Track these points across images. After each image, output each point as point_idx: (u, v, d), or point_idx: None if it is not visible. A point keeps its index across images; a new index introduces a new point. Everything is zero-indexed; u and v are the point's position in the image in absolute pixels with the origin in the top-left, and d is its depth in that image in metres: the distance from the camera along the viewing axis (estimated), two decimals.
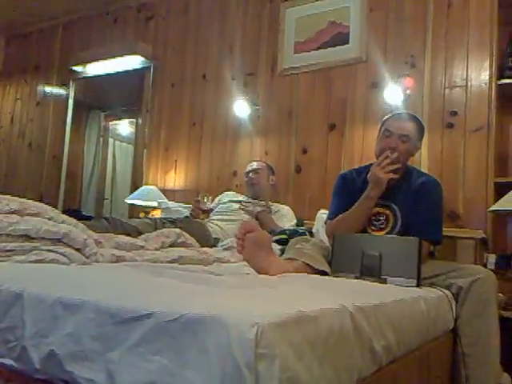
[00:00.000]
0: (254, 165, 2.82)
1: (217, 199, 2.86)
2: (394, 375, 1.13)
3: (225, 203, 2.75)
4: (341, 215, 1.90)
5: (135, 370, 0.75)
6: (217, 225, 2.49)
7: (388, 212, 1.89)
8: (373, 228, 1.90)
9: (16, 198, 1.41)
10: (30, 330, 0.88)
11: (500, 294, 2.05)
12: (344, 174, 2.07)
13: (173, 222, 2.26)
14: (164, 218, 2.39)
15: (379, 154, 1.89)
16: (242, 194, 2.86)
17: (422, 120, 2.02)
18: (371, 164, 1.93)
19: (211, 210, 2.68)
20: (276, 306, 0.81)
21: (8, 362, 0.90)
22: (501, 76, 2.42)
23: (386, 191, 1.89)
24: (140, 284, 1.04)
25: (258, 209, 2.59)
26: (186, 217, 2.62)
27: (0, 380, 0.91)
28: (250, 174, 2.78)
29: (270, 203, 2.71)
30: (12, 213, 1.34)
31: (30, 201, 1.44)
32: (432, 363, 1.44)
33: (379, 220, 1.89)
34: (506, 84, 2.38)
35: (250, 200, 2.72)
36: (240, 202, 2.69)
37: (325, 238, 2.05)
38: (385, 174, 1.81)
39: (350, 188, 1.95)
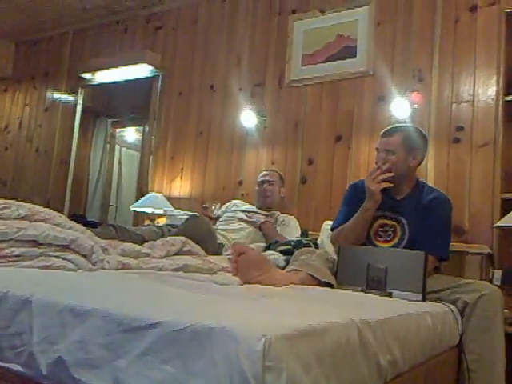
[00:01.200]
0: (269, 175, 2.80)
1: (224, 207, 2.86)
2: None
3: (231, 212, 2.75)
4: (342, 226, 1.91)
5: (142, 378, 0.76)
6: (222, 234, 2.50)
7: (396, 224, 1.90)
8: (379, 239, 1.91)
9: (26, 204, 1.42)
10: (37, 335, 0.89)
11: (506, 311, 2.03)
12: (355, 184, 2.09)
13: (179, 226, 2.26)
14: (170, 225, 2.40)
15: None
16: (249, 203, 2.87)
17: (417, 129, 2.01)
18: None
19: (218, 217, 2.68)
20: (284, 319, 0.82)
21: (15, 367, 0.90)
22: (508, 92, 2.42)
23: (395, 204, 1.91)
24: (148, 292, 1.04)
25: (262, 219, 2.58)
26: (194, 215, 2.58)
27: None
28: (265, 186, 2.76)
29: (277, 214, 2.71)
30: (21, 218, 1.35)
31: (39, 207, 1.45)
32: (437, 378, 1.44)
33: (387, 232, 1.90)
34: None
35: (254, 210, 2.72)
36: (244, 211, 2.69)
37: (330, 249, 2.05)
38: (376, 185, 1.85)
39: (359, 198, 1.95)
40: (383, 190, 1.90)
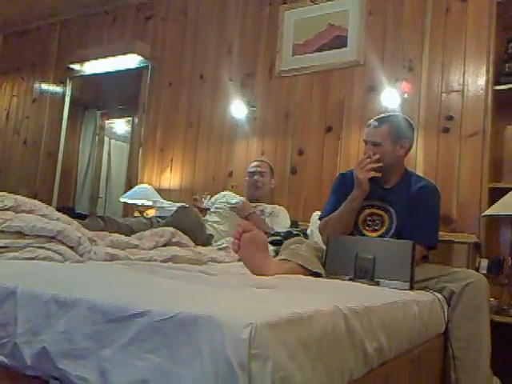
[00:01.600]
0: (260, 166, 2.78)
1: (213, 198, 2.86)
2: (385, 377, 1.13)
3: (221, 203, 2.74)
4: (330, 215, 1.93)
5: (128, 368, 0.75)
6: (211, 225, 2.49)
7: (384, 214, 1.91)
8: (367, 228, 1.92)
9: (11, 194, 1.41)
10: (22, 326, 0.88)
11: (492, 299, 2.06)
12: (344, 173, 2.10)
13: (168, 217, 2.25)
14: (159, 217, 2.39)
15: None
16: (240, 194, 2.86)
17: (403, 118, 2.01)
18: None
19: (208, 208, 2.68)
20: (270, 307, 0.82)
21: None
22: (497, 82, 2.43)
23: (383, 193, 1.92)
24: (134, 282, 1.03)
25: (249, 210, 2.56)
26: (183, 206, 2.56)
27: None
28: (255, 177, 2.74)
29: (265, 205, 2.70)
30: (7, 209, 1.33)
31: (25, 198, 1.44)
32: (423, 366, 1.45)
33: (374, 221, 1.91)
34: (502, 90, 2.40)
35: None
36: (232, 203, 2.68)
37: (319, 240, 2.05)
38: (364, 174, 1.86)
39: (347, 188, 1.96)
40: (371, 180, 1.90)
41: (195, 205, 2.62)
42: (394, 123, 1.95)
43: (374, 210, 1.92)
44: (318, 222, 2.04)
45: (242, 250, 1.48)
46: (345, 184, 2.00)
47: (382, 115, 2.04)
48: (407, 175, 1.99)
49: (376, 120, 1.98)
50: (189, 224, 2.05)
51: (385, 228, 1.89)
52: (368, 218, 1.92)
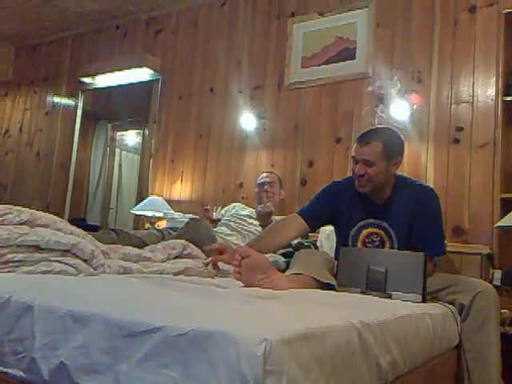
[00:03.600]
0: (269, 177, 2.78)
1: (223, 210, 2.87)
2: None
3: (231, 215, 2.75)
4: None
5: (143, 382, 0.76)
6: (222, 237, 2.50)
7: (381, 232, 1.85)
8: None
9: (26, 209, 1.43)
10: (39, 341, 0.89)
11: (506, 311, 2.04)
12: (338, 182, 2.01)
13: (179, 229, 2.26)
14: (171, 229, 2.40)
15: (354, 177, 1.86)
16: (250, 205, 2.87)
17: (392, 132, 1.89)
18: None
19: (219, 219, 2.68)
20: (284, 322, 0.82)
21: (17, 372, 0.91)
22: (507, 93, 2.42)
23: (378, 211, 1.85)
24: (148, 297, 1.05)
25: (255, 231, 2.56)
26: (193, 218, 2.57)
27: None
28: (266, 187, 2.72)
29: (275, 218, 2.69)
30: (22, 224, 1.35)
31: (41, 212, 1.46)
32: (437, 379, 1.44)
33: (374, 241, 1.85)
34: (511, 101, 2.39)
35: (250, 216, 2.71)
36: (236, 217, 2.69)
37: (330, 251, 2.05)
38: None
39: (334, 197, 1.93)
40: (364, 198, 1.85)
41: (207, 216, 2.63)
42: (387, 140, 1.80)
43: (370, 230, 1.86)
44: (296, 214, 1.95)
45: (245, 276, 1.44)
46: (333, 194, 1.94)
47: (372, 129, 1.90)
48: (399, 184, 1.87)
49: (366, 135, 1.83)
50: (200, 236, 2.05)
51: (387, 246, 1.84)
52: (367, 240, 1.86)
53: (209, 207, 2.68)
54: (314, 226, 1.97)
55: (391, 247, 1.84)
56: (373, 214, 1.86)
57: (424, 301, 1.52)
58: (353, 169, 1.85)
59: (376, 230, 1.86)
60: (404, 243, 1.81)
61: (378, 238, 1.85)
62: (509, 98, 2.39)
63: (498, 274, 2.25)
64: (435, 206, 1.85)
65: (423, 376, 1.30)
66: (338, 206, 1.91)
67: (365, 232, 1.88)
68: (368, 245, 1.86)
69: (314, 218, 1.93)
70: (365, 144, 1.79)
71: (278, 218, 2.72)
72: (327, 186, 2.01)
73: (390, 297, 1.53)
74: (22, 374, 0.90)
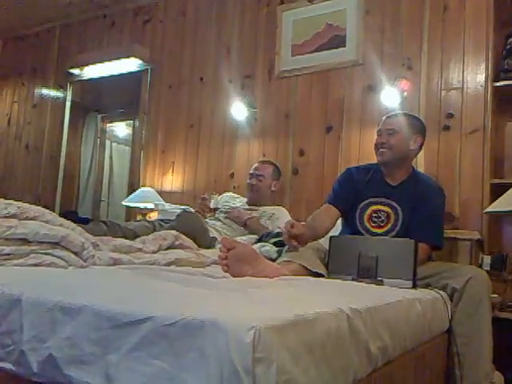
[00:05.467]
0: (258, 169, 2.75)
1: (218, 198, 2.85)
2: (389, 376, 1.14)
3: (223, 206, 2.75)
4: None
5: (133, 373, 0.76)
6: (215, 228, 2.50)
7: (389, 210, 1.92)
8: (372, 224, 1.93)
9: (14, 202, 1.42)
10: (28, 334, 0.89)
11: (495, 295, 2.06)
12: (351, 169, 2.12)
13: (171, 221, 2.25)
14: (162, 220, 2.39)
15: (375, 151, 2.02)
16: (242, 195, 2.86)
17: (418, 117, 2.08)
18: (372, 164, 2.05)
19: (217, 208, 2.67)
20: (273, 310, 0.82)
21: (6, 365, 0.90)
22: (497, 78, 2.43)
23: (390, 190, 1.94)
24: (138, 287, 1.04)
25: (246, 216, 2.55)
26: (185, 210, 2.56)
27: None
28: (252, 180, 2.72)
29: (265, 208, 2.69)
30: (10, 217, 1.34)
31: (28, 204, 1.44)
32: (428, 363, 1.46)
33: (380, 217, 1.92)
34: (501, 86, 2.40)
35: (242, 206, 2.71)
36: (229, 208, 2.67)
37: (321, 240, 2.06)
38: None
39: (353, 182, 2.02)
40: (378, 176, 1.96)
41: (205, 204, 2.61)
42: (410, 117, 2.03)
43: (379, 207, 1.93)
44: (331, 205, 2.01)
45: (232, 268, 1.43)
46: (351, 178, 2.04)
47: (401, 111, 2.12)
48: (414, 174, 2.02)
49: (394, 113, 2.06)
50: (192, 229, 2.05)
51: (390, 225, 1.90)
52: (374, 215, 1.94)
53: (206, 195, 2.66)
54: (345, 211, 2.01)
55: (393, 226, 1.89)
56: (385, 193, 1.95)
57: (414, 287, 1.53)
58: (376, 143, 2.00)
59: (384, 208, 1.93)
60: (406, 227, 1.87)
61: (385, 215, 1.92)
62: (498, 84, 2.40)
63: (487, 259, 2.27)
64: (439, 200, 1.95)
65: (413, 361, 1.32)
66: (357, 188, 2.00)
67: (373, 207, 1.95)
68: (374, 219, 1.93)
69: (343, 202, 2.00)
70: (391, 117, 2.01)
71: (269, 207, 2.72)
72: (345, 172, 2.12)
73: (381, 283, 1.54)
74: (11, 366, 0.89)
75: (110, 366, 0.78)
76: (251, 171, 2.78)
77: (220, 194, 2.88)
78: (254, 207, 2.69)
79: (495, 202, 2.12)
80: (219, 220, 2.62)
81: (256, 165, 2.82)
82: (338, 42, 2.93)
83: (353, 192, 1.99)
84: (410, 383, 1.28)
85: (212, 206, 2.69)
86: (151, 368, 0.75)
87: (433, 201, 1.91)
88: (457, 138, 2.51)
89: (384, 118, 2.05)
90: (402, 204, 1.91)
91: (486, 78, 2.46)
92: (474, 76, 2.51)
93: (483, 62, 2.49)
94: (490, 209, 2.16)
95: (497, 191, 2.24)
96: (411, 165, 2.04)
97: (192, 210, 2.61)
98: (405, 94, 2.61)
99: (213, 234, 2.42)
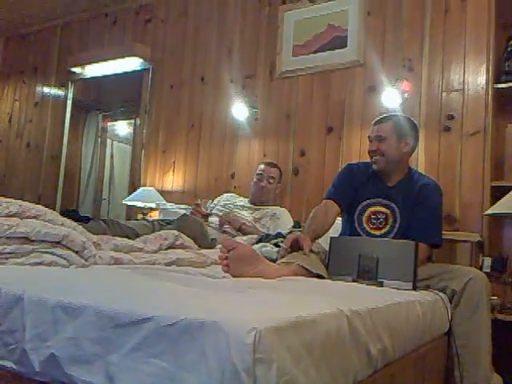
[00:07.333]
0: (270, 172, 2.75)
1: (216, 200, 2.86)
2: (389, 377, 1.14)
3: (223, 206, 2.75)
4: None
5: (134, 372, 0.76)
6: (214, 228, 2.50)
7: (387, 211, 1.92)
8: (371, 226, 1.93)
9: (16, 200, 1.42)
10: (30, 333, 0.89)
11: (495, 297, 2.07)
12: (352, 165, 2.12)
13: (170, 223, 2.26)
14: (162, 220, 2.39)
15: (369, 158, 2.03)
16: (242, 195, 2.86)
17: (407, 117, 2.05)
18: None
19: (210, 214, 2.68)
20: (274, 311, 0.82)
21: (8, 364, 0.90)
22: (497, 80, 2.44)
23: (388, 191, 1.94)
24: (139, 287, 1.04)
25: (241, 220, 2.56)
26: (184, 214, 2.58)
27: (0, 382, 0.91)
28: (263, 183, 2.71)
29: (267, 207, 2.70)
30: (12, 216, 1.34)
31: (30, 203, 1.44)
32: (427, 365, 1.46)
33: (378, 219, 1.92)
34: (502, 88, 2.40)
35: (242, 207, 2.71)
36: (229, 208, 2.68)
37: (322, 241, 2.06)
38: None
39: (352, 179, 2.02)
40: (376, 178, 1.94)
41: (198, 210, 2.61)
42: (398, 121, 2.00)
43: (378, 208, 1.94)
44: (331, 201, 2.00)
45: (232, 268, 1.42)
46: (351, 175, 2.04)
47: (388, 114, 2.10)
48: (411, 174, 2.01)
49: (381, 117, 2.04)
50: (191, 233, 2.05)
51: (388, 226, 1.90)
52: (372, 216, 1.94)
53: (199, 202, 2.66)
54: (345, 206, 2.01)
55: (392, 227, 1.89)
56: (384, 194, 1.95)
57: (415, 288, 1.53)
58: (368, 150, 2.01)
59: (383, 209, 1.93)
60: (404, 228, 1.88)
61: (384, 217, 1.92)
62: (499, 85, 2.40)
63: (487, 260, 2.28)
64: (436, 198, 1.94)
65: (413, 362, 1.32)
66: (357, 185, 2.00)
67: (372, 209, 1.95)
68: (372, 221, 1.93)
69: (343, 197, 1.99)
70: (378, 123, 2.00)
71: (272, 207, 2.73)
72: (345, 168, 2.11)
73: (381, 285, 1.54)
74: (13, 365, 0.90)
75: (112, 366, 0.79)
76: (259, 172, 2.77)
77: (212, 200, 2.88)
78: (254, 206, 2.69)
79: (496, 205, 2.13)
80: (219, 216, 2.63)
81: (263, 166, 2.81)
82: (340, 42, 2.93)
83: (352, 188, 2.00)
84: None
85: (205, 212, 2.69)
86: (152, 368, 0.75)
87: (430, 200, 1.91)
88: (457, 140, 2.51)
89: (372, 123, 2.04)
90: (400, 204, 1.91)
91: (487, 79, 2.47)
92: (474, 78, 2.52)
93: (484, 64, 2.49)
94: (490, 211, 2.16)
95: (497, 193, 2.24)
96: (407, 165, 2.04)
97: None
98: (405, 95, 2.61)
99: (213, 234, 2.42)
